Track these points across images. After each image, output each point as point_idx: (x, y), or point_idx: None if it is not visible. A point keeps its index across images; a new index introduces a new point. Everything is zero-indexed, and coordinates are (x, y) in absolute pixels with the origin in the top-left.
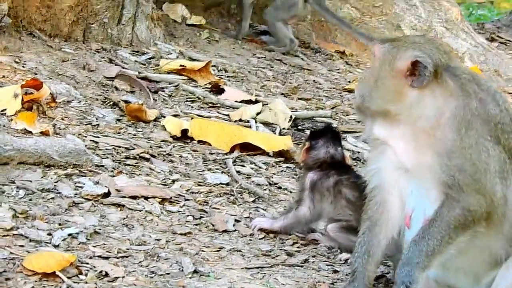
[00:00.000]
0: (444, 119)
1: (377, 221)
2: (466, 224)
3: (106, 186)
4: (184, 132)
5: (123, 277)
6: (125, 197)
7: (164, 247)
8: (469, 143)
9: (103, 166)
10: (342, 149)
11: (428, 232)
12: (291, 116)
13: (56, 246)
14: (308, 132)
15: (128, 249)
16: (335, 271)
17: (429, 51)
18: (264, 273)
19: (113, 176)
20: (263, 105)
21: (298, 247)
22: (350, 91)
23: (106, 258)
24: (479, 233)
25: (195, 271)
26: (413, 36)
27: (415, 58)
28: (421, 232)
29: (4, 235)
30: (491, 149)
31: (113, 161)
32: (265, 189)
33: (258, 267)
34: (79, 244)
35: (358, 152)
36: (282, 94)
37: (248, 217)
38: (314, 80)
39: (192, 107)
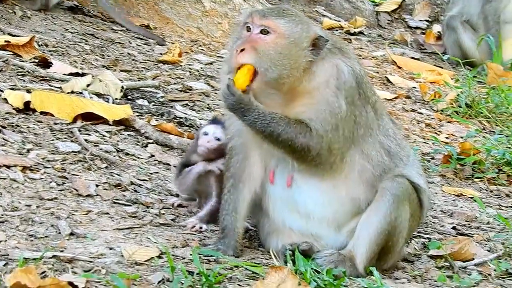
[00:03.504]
0: (334, 83)
1: (240, 178)
2: (299, 157)
3: None
4: (26, 104)
5: (5, 241)
6: None
7: (36, 212)
8: (351, 113)
9: None
10: None
11: (280, 121)
12: (122, 87)
13: None
14: (138, 101)
15: (2, 215)
16: (200, 230)
17: (319, 26)
18: (136, 233)
19: None
20: (92, 77)
21: (161, 209)
22: (164, 62)
23: None
24: (335, 190)
25: (71, 233)
26: (292, 9)
27: (317, 35)
28: (275, 117)
29: None
30: (362, 113)
31: None
32: (114, 156)
33: (128, 228)
34: None
35: (191, 119)
36: (103, 66)
37: (106, 182)
38: (128, 53)
39: (24, 80)
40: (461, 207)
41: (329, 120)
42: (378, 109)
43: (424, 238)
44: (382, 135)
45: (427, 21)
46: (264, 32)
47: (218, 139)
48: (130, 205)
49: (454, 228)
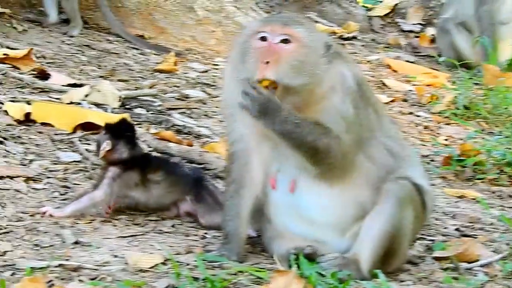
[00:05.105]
0: (340, 88)
1: (242, 183)
2: (318, 159)
3: None
4: (27, 115)
5: (11, 251)
6: None
7: (40, 222)
8: (357, 117)
9: None
10: (138, 142)
11: (305, 121)
12: (120, 96)
13: None
14: (136, 110)
15: (8, 225)
16: (204, 236)
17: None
18: (139, 241)
19: None
20: (90, 87)
21: (159, 216)
22: (160, 71)
23: None
24: (340, 193)
25: (76, 242)
26: (300, 15)
27: (327, 40)
28: (298, 118)
29: None
30: (367, 115)
31: None
32: None
33: (131, 235)
34: None
35: (189, 127)
36: (100, 77)
37: None
38: (124, 63)
39: (23, 92)
40: (464, 208)
41: (340, 123)
42: (378, 110)
43: (428, 240)
44: (385, 136)
45: (420, 24)
46: (284, 41)
47: None
48: (134, 214)
49: (457, 229)
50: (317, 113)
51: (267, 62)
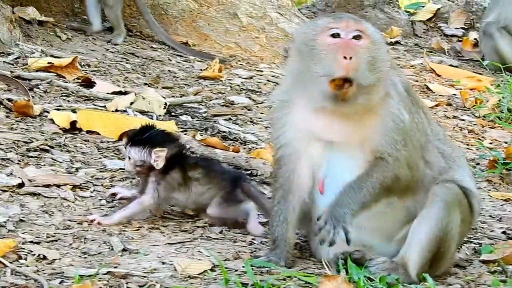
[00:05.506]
0: (394, 94)
1: (290, 189)
2: (391, 188)
3: (19, 177)
4: (72, 123)
5: (59, 259)
6: (39, 186)
7: (87, 230)
8: (413, 122)
9: (9, 159)
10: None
11: (364, 184)
12: (165, 103)
13: None
14: (182, 117)
15: (55, 233)
16: (251, 242)
17: None
18: (187, 247)
19: (22, 168)
20: (135, 94)
21: (205, 222)
22: (205, 78)
23: (38, 243)
24: (393, 201)
25: (124, 249)
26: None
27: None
28: (358, 181)
29: None
30: (421, 121)
31: (17, 154)
32: None
33: (179, 242)
34: (8, 232)
35: (234, 133)
36: (145, 84)
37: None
38: (169, 70)
39: (68, 101)
40: (510, 211)
41: (396, 139)
42: (427, 113)
43: (475, 244)
44: (436, 139)
45: (463, 28)
46: (356, 37)
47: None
48: (181, 220)
49: (504, 232)
50: (372, 129)
51: (350, 58)
